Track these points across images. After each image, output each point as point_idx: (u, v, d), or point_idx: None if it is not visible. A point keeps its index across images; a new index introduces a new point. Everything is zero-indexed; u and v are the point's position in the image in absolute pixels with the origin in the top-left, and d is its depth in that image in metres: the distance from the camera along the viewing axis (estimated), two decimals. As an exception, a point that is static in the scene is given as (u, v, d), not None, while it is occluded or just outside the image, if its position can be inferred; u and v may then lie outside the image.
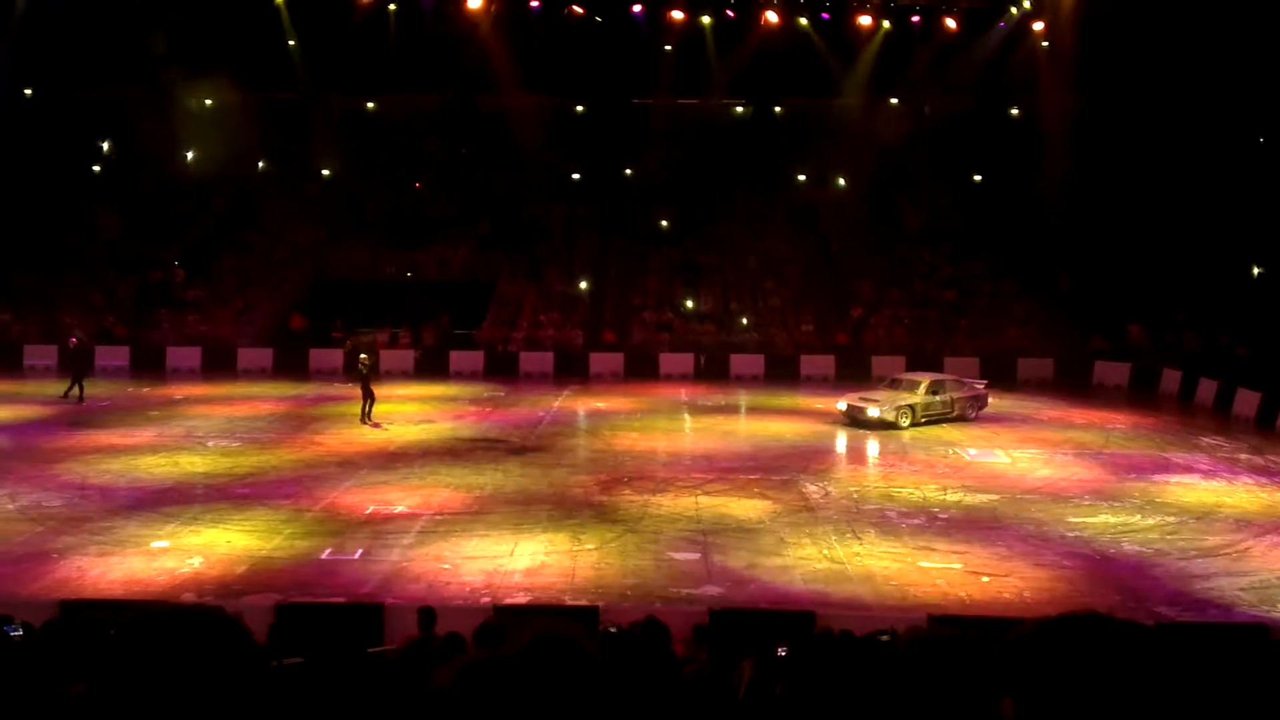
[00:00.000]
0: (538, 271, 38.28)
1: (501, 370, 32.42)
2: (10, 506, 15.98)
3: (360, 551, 14.12)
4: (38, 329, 33.34)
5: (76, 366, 25.84)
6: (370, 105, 41.50)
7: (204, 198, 38.96)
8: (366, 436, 22.24)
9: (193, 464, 19.19)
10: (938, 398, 24.00)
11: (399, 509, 16.24)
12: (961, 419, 24.17)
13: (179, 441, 21.22)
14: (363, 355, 24.52)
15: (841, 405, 24.28)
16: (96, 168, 40.96)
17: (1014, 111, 41.31)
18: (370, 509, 16.18)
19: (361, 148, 40.26)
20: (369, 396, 23.37)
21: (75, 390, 25.36)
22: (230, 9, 35.65)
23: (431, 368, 32.51)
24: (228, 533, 14.81)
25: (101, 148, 41.04)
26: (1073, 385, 30.53)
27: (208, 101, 40.14)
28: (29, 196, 36.91)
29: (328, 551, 14.10)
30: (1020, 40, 38.29)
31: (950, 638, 2.11)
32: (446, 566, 13.51)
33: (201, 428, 22.82)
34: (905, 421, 23.24)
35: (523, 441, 21.91)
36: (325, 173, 40.82)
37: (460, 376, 31.72)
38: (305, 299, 36.65)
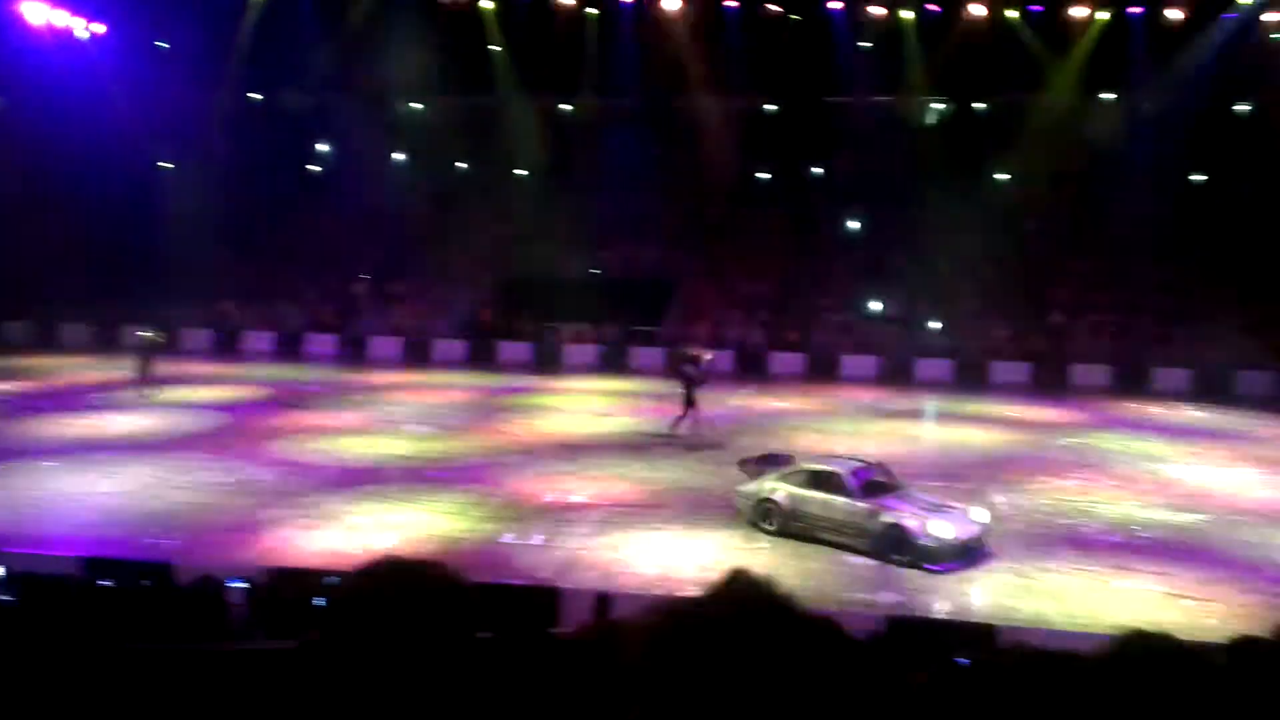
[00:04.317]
0: (721, 270, 38.27)
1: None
2: (228, 480, 17.35)
3: (540, 537, 14.54)
4: (258, 318, 36.05)
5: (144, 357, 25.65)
6: (566, 107, 42.48)
7: (407, 197, 40.96)
8: (548, 427, 22.86)
9: (390, 447, 20.27)
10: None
11: (577, 499, 16.62)
12: None
13: (378, 425, 22.48)
14: (687, 364, 22.33)
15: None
16: (314, 168, 43.80)
17: (1241, 108, 38.11)
18: (550, 497, 16.63)
19: (555, 149, 41.28)
20: (690, 404, 21.57)
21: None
22: (437, 16, 37.25)
23: (613, 363, 33.13)
24: (420, 513, 15.56)
25: (317, 150, 43.86)
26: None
27: (414, 105, 42.18)
28: (253, 194, 39.86)
29: (510, 536, 14.59)
30: (1249, 33, 35.27)
31: (1164, 653, 1.87)
32: (621, 557, 13.72)
33: (398, 413, 24.09)
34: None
35: (700, 439, 21.96)
36: (519, 172, 42.13)
37: (641, 372, 32.16)
38: (495, 294, 38.07)
